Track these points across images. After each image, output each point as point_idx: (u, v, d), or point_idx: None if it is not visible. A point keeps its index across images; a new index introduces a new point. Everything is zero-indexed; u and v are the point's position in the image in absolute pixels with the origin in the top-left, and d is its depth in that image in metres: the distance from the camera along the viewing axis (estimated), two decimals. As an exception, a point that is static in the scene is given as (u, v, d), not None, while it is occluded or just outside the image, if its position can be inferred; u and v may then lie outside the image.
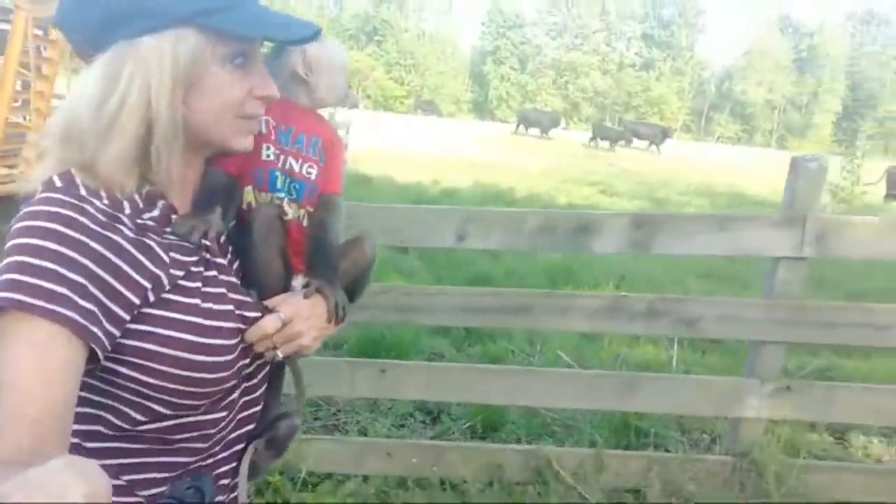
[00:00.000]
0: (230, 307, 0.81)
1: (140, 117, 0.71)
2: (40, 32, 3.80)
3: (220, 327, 0.78)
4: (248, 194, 0.86)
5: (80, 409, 0.70)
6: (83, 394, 0.71)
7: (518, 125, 28.88)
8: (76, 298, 0.64)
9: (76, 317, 0.64)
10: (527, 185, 11.96)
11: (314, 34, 0.78)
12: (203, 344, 0.75)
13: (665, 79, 58.74)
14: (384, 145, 16.48)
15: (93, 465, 0.48)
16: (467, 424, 2.72)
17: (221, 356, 0.77)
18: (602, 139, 25.93)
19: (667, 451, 2.45)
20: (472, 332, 3.83)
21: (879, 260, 2.16)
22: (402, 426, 2.75)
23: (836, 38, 62.01)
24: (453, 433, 2.68)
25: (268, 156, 0.87)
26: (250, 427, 0.88)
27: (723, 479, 2.11)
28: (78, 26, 0.73)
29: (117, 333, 0.69)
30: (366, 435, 2.54)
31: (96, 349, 0.66)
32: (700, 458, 2.16)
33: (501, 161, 16.37)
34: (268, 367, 0.89)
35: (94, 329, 0.66)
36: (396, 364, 2.07)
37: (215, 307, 0.78)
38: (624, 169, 18.67)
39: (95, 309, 0.66)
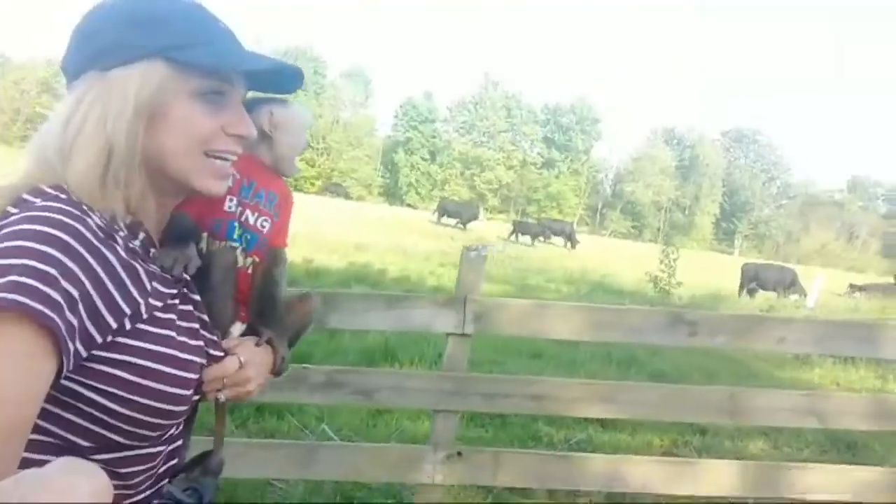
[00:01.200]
0: (201, 343, 0.83)
1: (97, 143, 0.73)
2: None
3: (190, 360, 0.79)
4: (202, 241, 0.91)
5: (31, 436, 0.66)
6: (40, 422, 0.68)
7: (439, 215, 29.32)
8: (66, 310, 0.64)
9: (63, 328, 0.63)
10: (401, 267, 12.23)
11: (276, 66, 0.81)
12: (175, 376, 0.76)
13: (564, 177, 62.80)
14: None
15: (93, 464, 0.47)
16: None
17: (187, 389, 0.78)
18: (522, 234, 26.85)
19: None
20: (261, 408, 3.81)
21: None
22: None
23: (713, 150, 69.27)
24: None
25: (230, 207, 0.93)
26: (174, 462, 0.87)
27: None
28: (74, 65, 0.77)
29: (84, 355, 0.68)
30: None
31: (64, 365, 0.65)
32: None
33: (391, 245, 16.67)
34: None
35: (70, 345, 0.65)
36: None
37: (189, 341, 0.80)
38: (510, 256, 19.52)
39: (76, 325, 0.66)
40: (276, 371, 0.98)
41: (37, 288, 0.62)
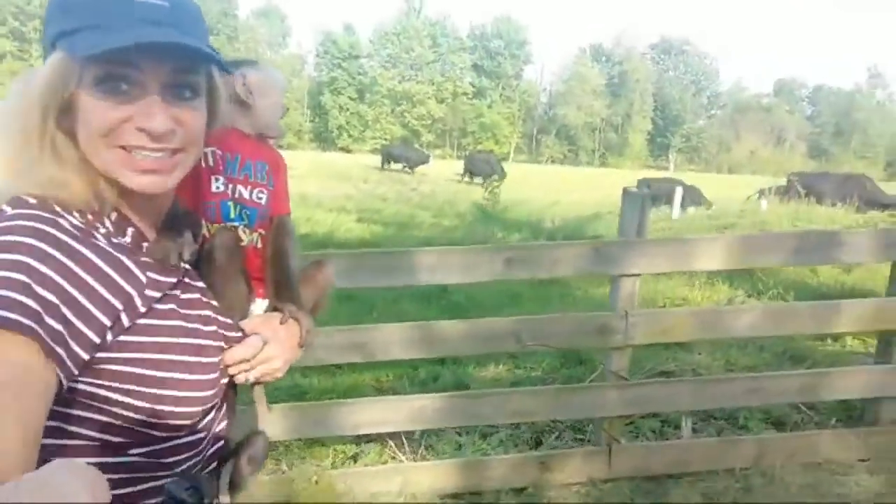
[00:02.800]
0: (214, 328, 0.81)
1: (15, 137, 0.71)
2: None
3: (205, 346, 0.78)
4: (202, 227, 0.86)
5: (64, 442, 0.69)
6: (69, 427, 0.69)
7: (383, 161, 28.52)
8: (45, 317, 0.62)
9: (43, 335, 0.62)
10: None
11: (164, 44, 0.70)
12: (191, 363, 0.75)
13: (496, 106, 62.19)
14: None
15: (89, 466, 0.47)
16: None
17: (208, 374, 0.77)
18: (474, 174, 24.93)
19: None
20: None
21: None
22: None
23: (642, 65, 69.30)
24: None
25: (217, 188, 0.88)
26: (220, 445, 0.87)
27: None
28: None
29: (85, 357, 0.66)
30: None
31: (59, 372, 0.64)
32: None
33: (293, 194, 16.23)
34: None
35: (60, 351, 0.63)
36: None
37: (202, 327, 0.79)
38: (421, 194, 19.34)
39: (63, 330, 0.64)
40: (302, 343, 0.94)
41: (8, 297, 0.61)
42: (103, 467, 0.67)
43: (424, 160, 28.52)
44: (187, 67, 0.74)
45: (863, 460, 2.69)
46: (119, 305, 0.70)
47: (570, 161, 61.33)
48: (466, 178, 25.09)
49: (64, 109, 0.72)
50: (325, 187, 18.84)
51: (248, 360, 0.86)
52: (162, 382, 0.72)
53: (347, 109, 58.88)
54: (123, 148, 0.72)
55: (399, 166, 28.23)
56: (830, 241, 2.43)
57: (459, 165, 28.97)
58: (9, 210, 0.69)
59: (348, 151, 52.03)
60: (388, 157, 28.96)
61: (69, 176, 0.72)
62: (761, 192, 18.67)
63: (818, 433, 2.71)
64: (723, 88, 78.48)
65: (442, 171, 28.99)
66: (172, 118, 0.73)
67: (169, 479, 0.77)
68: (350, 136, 58.39)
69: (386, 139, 52.66)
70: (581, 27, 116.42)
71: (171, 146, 0.74)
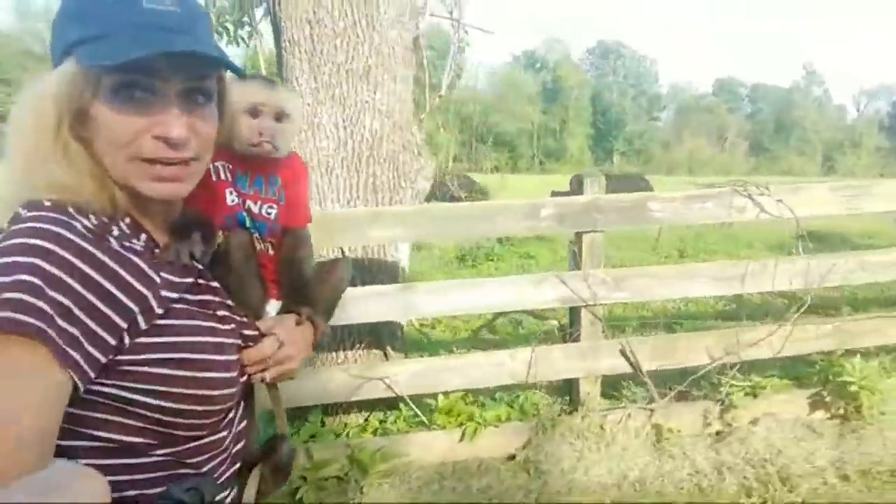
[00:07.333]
0: (232, 326, 0.82)
1: (24, 145, 0.70)
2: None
3: (225, 343, 0.78)
4: (217, 238, 0.86)
5: (83, 444, 0.68)
6: (89, 430, 0.68)
7: None
8: (58, 319, 0.62)
9: (56, 337, 0.61)
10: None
11: (187, 53, 0.71)
12: (212, 361, 0.75)
13: (431, 115, 61.84)
14: None
15: (91, 468, 0.49)
16: None
17: (229, 372, 0.78)
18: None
19: None
20: None
21: None
22: None
23: (578, 70, 69.67)
24: None
25: (232, 201, 0.89)
26: (241, 444, 0.86)
27: None
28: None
29: (102, 359, 0.66)
30: None
31: (73, 375, 0.63)
32: None
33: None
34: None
35: (73, 353, 0.62)
36: None
37: (219, 326, 0.79)
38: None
39: (77, 332, 0.63)
40: (316, 345, 0.96)
41: (21, 300, 0.60)
42: (127, 469, 0.70)
43: None
44: (201, 73, 0.74)
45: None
46: (134, 307, 0.69)
47: (509, 168, 61.09)
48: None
49: (78, 118, 0.71)
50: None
51: (264, 360, 0.85)
52: (186, 381, 0.72)
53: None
54: (143, 160, 0.72)
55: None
56: None
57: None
58: (24, 213, 0.68)
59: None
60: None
61: (83, 181, 0.71)
62: (556, 195, 16.93)
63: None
64: (663, 90, 79.29)
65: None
66: (188, 126, 0.73)
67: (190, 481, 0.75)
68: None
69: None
70: (515, 35, 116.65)
71: (186, 155, 0.74)
